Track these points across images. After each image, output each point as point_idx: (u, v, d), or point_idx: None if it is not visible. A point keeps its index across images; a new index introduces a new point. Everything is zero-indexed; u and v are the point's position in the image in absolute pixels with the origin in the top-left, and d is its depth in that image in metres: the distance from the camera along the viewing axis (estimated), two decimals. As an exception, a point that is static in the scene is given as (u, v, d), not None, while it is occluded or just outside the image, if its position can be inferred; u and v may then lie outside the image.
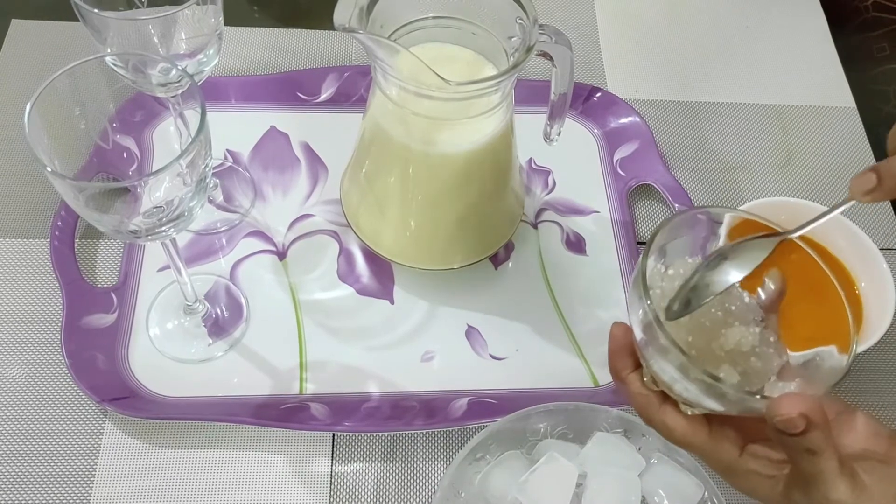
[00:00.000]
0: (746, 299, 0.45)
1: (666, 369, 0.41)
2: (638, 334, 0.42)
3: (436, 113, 0.55)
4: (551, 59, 0.56)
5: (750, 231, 0.45)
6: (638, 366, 0.44)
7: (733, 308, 0.45)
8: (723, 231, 0.51)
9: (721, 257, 0.44)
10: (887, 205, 0.77)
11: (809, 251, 0.43)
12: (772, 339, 0.44)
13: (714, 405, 0.41)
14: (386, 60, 0.51)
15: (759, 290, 0.46)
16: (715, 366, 0.43)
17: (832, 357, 0.41)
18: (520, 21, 0.54)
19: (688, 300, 0.43)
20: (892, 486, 0.40)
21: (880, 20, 0.93)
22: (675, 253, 0.45)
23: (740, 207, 0.62)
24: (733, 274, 0.43)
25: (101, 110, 0.51)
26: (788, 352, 0.44)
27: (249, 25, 0.84)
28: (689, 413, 0.43)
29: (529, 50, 0.52)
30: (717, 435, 0.42)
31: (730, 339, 0.44)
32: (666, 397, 0.43)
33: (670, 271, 0.45)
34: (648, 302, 0.40)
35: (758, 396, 0.39)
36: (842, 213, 0.44)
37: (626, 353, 0.44)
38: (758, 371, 0.43)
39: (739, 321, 0.44)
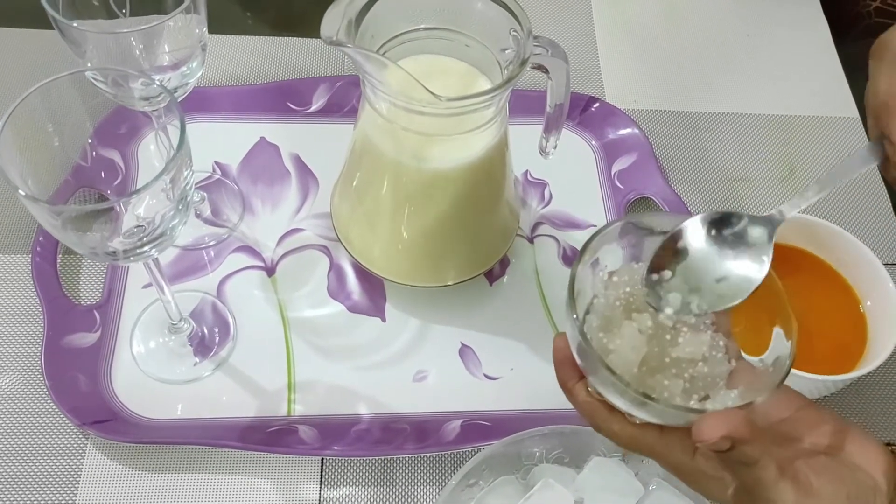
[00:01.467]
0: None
1: (602, 385, 0.40)
2: (573, 349, 0.41)
3: (427, 128, 0.53)
4: (546, 71, 0.54)
5: None
6: (582, 377, 0.44)
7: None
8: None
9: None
10: (891, 218, 0.75)
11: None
12: (721, 342, 0.42)
13: (653, 419, 0.40)
14: (375, 75, 0.50)
15: None
16: (661, 375, 0.41)
17: (781, 344, 0.40)
18: (514, 33, 0.52)
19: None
20: (843, 486, 0.39)
21: (883, 26, 0.91)
22: (619, 258, 0.44)
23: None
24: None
25: (78, 127, 0.50)
26: (741, 353, 0.43)
27: (243, 31, 0.83)
28: (637, 421, 0.42)
29: (524, 63, 0.50)
30: (668, 438, 0.42)
31: (677, 347, 0.42)
32: (613, 407, 0.42)
33: (615, 278, 0.43)
34: (575, 317, 0.39)
35: (694, 410, 0.38)
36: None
37: (570, 365, 0.44)
38: (705, 377, 0.41)
39: (688, 327, 0.42)
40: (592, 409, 0.43)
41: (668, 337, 0.42)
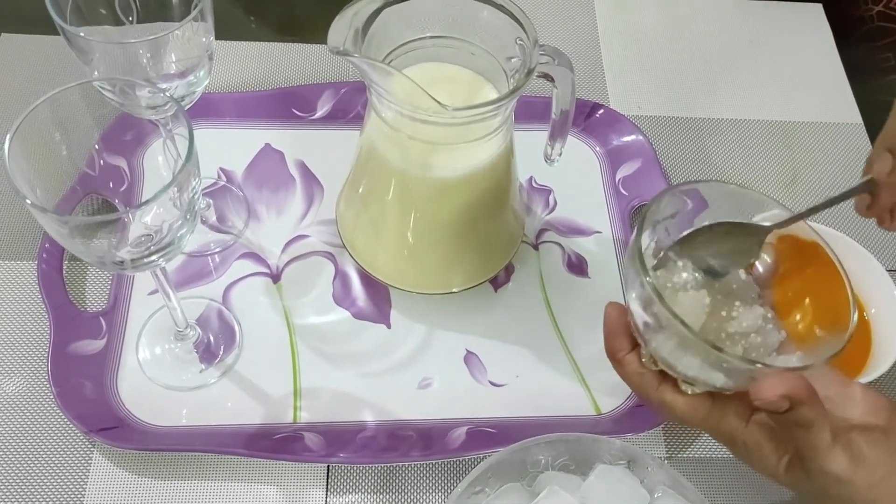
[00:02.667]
0: (743, 276, 0.44)
1: (666, 345, 0.40)
2: (637, 311, 0.42)
3: (433, 137, 0.53)
4: (552, 80, 0.54)
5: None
6: (634, 346, 0.44)
7: (734, 287, 0.44)
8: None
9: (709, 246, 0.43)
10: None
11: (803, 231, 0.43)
12: (769, 314, 0.43)
13: (716, 379, 0.40)
14: (381, 84, 0.50)
15: (756, 265, 0.46)
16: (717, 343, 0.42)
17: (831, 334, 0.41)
18: (520, 42, 0.52)
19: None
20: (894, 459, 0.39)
21: (885, 30, 0.92)
22: (672, 229, 0.44)
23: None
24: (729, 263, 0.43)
25: (86, 135, 0.50)
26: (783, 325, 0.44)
27: (246, 36, 0.83)
28: (690, 392, 0.42)
29: (530, 73, 0.51)
30: (720, 407, 0.42)
31: (734, 321, 0.43)
32: (664, 377, 0.43)
33: (671, 253, 0.44)
34: (647, 278, 0.39)
35: (759, 365, 0.39)
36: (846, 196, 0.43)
37: (623, 334, 0.44)
38: (758, 347, 0.42)
39: (740, 300, 0.43)
40: (644, 380, 0.43)
41: (723, 313, 0.42)
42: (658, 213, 0.43)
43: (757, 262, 0.45)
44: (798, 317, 0.44)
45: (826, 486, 0.40)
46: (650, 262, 0.43)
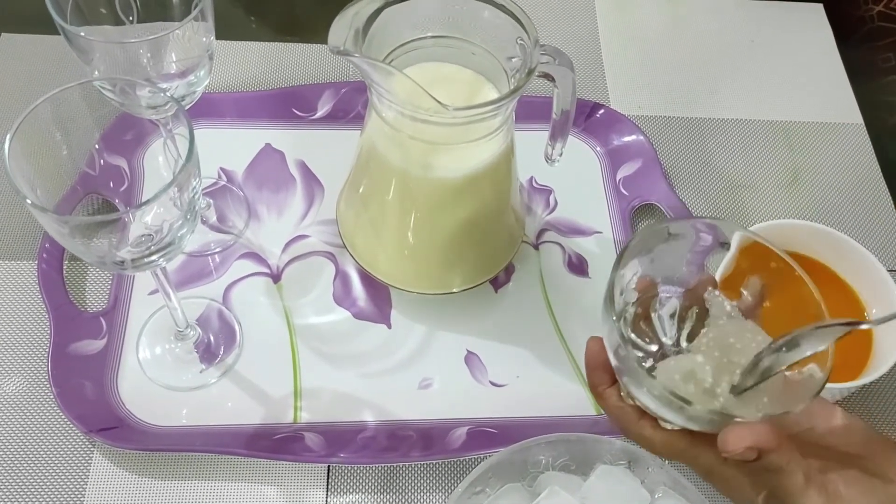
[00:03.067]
0: (727, 307, 0.44)
1: (637, 391, 0.40)
2: (609, 354, 0.42)
3: (434, 137, 0.53)
4: (553, 80, 0.54)
5: (758, 253, 0.44)
6: (614, 381, 0.44)
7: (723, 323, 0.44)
8: (731, 250, 0.50)
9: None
10: (896, 225, 0.76)
11: (792, 263, 0.42)
12: (760, 337, 0.43)
13: (687, 425, 0.40)
14: (382, 84, 0.50)
15: (742, 292, 0.45)
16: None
17: (813, 371, 0.40)
18: (520, 42, 0.52)
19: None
20: (873, 498, 0.39)
21: (886, 30, 0.92)
22: (662, 266, 0.44)
23: (750, 228, 0.61)
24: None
25: (86, 135, 0.50)
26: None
27: (247, 36, 0.83)
28: (669, 427, 0.42)
29: (531, 73, 0.51)
30: (699, 443, 0.42)
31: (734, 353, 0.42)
32: (644, 412, 0.43)
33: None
34: (614, 318, 0.39)
35: (725, 416, 0.38)
36: None
37: (603, 369, 0.44)
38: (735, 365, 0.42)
39: (735, 336, 0.43)
40: (623, 414, 0.43)
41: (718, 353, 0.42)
42: (636, 250, 0.43)
43: (747, 288, 0.45)
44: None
45: None
46: (622, 304, 0.43)
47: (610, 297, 0.40)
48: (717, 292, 0.43)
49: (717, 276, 0.46)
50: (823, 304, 0.41)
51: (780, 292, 0.44)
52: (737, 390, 0.41)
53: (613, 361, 0.42)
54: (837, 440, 0.42)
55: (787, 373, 0.41)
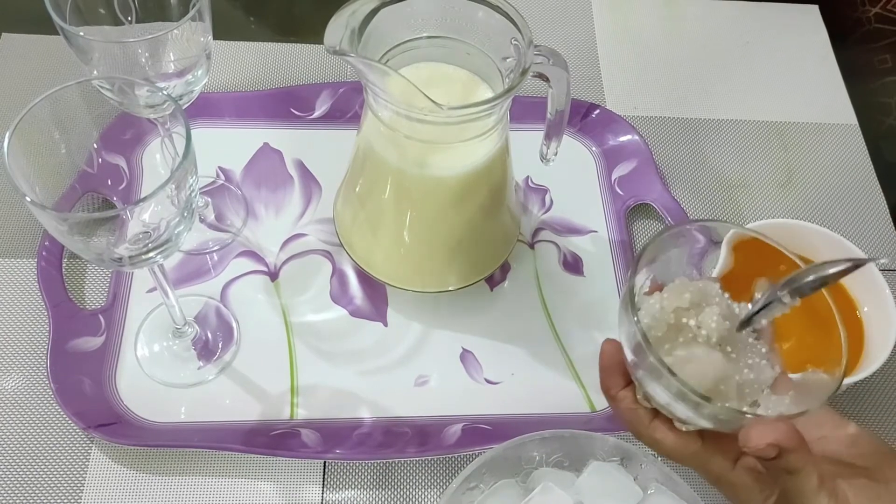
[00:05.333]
0: (737, 311, 0.44)
1: (657, 390, 0.41)
2: (628, 354, 0.42)
3: (429, 136, 0.54)
4: (547, 80, 0.55)
5: (754, 249, 0.44)
6: (629, 383, 0.44)
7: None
8: (723, 248, 0.51)
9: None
10: (889, 225, 0.76)
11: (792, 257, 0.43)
12: (764, 350, 0.43)
13: (706, 424, 0.41)
14: (378, 84, 0.50)
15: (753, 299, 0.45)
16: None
17: (823, 376, 0.41)
18: (515, 42, 0.53)
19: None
20: None
21: (882, 32, 0.92)
22: (668, 270, 0.44)
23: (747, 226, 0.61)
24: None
25: (85, 134, 0.50)
26: (780, 364, 0.44)
27: (246, 37, 0.83)
28: (684, 429, 0.43)
29: (525, 73, 0.51)
30: (709, 448, 0.42)
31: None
32: (657, 413, 0.43)
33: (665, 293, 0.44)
34: (636, 320, 0.40)
35: (748, 415, 0.39)
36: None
37: (617, 371, 0.44)
38: (751, 383, 0.42)
39: (735, 341, 0.43)
40: (636, 416, 0.44)
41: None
42: (656, 251, 0.43)
43: (758, 294, 0.45)
44: (792, 352, 0.44)
45: None
46: (643, 301, 0.43)
47: (631, 299, 0.40)
48: (724, 293, 0.44)
49: (714, 274, 0.46)
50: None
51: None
52: (739, 328, 0.42)
53: (633, 361, 0.42)
54: (846, 450, 0.43)
55: (807, 373, 0.42)
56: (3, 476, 0.58)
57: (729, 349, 0.42)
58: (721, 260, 0.52)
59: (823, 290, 0.42)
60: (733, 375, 0.42)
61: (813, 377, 0.42)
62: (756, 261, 0.45)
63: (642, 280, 0.43)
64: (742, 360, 0.43)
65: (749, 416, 0.39)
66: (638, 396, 0.44)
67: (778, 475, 0.40)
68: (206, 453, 0.59)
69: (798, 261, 0.43)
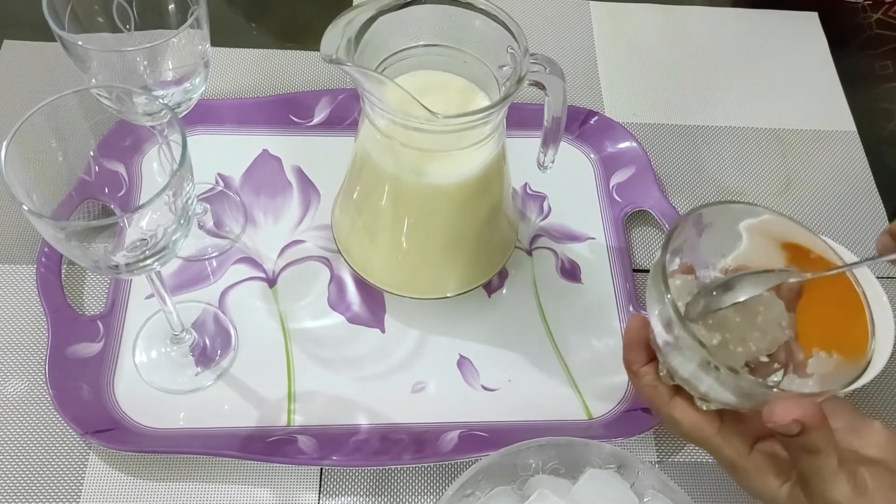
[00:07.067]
0: (766, 293, 0.45)
1: (684, 364, 0.41)
2: (657, 328, 0.42)
3: (425, 145, 0.54)
4: (544, 88, 0.55)
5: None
6: (651, 359, 0.45)
7: (760, 308, 0.45)
8: (743, 231, 0.50)
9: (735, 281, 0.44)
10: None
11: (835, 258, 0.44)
12: (788, 331, 0.44)
13: (731, 399, 0.41)
14: (374, 92, 0.50)
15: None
16: (733, 361, 0.43)
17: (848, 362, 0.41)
18: (511, 51, 0.53)
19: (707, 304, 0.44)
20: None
21: (883, 38, 0.92)
22: (696, 249, 0.45)
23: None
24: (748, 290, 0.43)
25: (83, 142, 0.50)
26: (802, 350, 0.44)
27: (246, 43, 0.83)
28: (704, 408, 0.43)
29: (520, 81, 0.51)
30: (728, 431, 0.43)
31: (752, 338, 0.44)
32: (678, 391, 0.44)
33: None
34: (668, 296, 0.40)
35: (775, 389, 0.39)
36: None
37: (641, 347, 0.45)
38: (763, 333, 0.43)
39: (764, 322, 0.44)
40: (656, 393, 0.44)
41: (739, 320, 0.43)
42: (684, 233, 0.43)
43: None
44: (817, 340, 0.44)
45: None
46: (674, 281, 0.44)
47: (662, 276, 0.41)
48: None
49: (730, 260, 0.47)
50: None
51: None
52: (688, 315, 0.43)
53: (663, 337, 0.42)
54: (859, 442, 0.43)
55: (834, 355, 0.42)
56: (0, 482, 0.58)
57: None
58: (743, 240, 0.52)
59: (848, 274, 0.42)
60: (749, 327, 0.43)
61: (838, 361, 0.42)
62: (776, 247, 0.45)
63: (671, 260, 0.44)
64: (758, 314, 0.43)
65: (775, 390, 0.39)
66: (662, 374, 0.44)
67: (797, 456, 0.40)
68: (203, 459, 0.60)
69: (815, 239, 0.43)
